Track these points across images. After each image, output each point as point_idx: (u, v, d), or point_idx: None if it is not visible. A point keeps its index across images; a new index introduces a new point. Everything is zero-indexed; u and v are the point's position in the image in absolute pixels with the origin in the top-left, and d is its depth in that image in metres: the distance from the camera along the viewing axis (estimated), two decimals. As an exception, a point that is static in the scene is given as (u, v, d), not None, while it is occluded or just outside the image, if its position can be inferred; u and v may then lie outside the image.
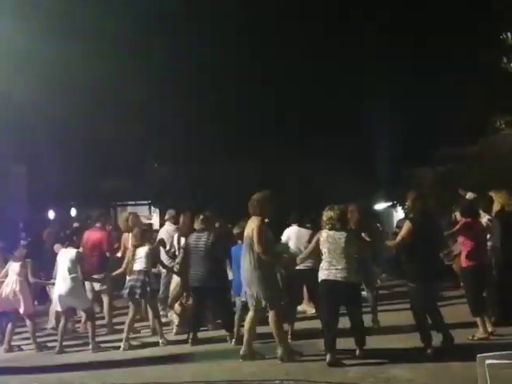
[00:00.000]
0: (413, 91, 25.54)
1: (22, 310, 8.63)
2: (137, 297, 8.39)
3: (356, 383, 6.03)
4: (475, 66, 20.62)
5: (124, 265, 8.71)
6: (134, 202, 27.28)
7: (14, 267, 8.77)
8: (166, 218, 10.62)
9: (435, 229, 7.44)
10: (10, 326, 8.73)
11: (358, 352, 6.91)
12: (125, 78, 19.70)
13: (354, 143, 26.22)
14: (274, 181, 22.61)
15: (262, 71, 23.79)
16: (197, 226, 8.69)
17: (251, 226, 7.03)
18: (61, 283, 8.37)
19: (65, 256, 8.48)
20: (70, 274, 8.31)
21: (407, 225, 7.13)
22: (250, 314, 7.18)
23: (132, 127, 21.62)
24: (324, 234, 6.91)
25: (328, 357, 6.63)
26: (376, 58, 25.60)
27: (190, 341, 8.29)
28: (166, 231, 10.18)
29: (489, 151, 22.88)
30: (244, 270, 7.10)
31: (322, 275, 6.85)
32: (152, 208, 26.22)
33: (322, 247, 6.89)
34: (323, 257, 6.88)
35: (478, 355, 4.87)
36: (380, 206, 22.41)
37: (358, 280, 7.14)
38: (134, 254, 8.47)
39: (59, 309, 8.52)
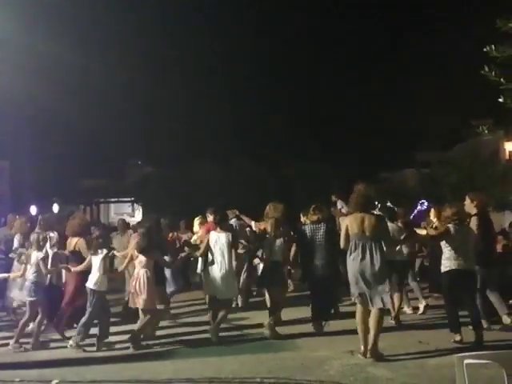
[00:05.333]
0: (395, 95, 25.93)
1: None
2: None
3: (336, 381, 6.11)
4: (456, 73, 20.96)
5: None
6: (116, 199, 27.26)
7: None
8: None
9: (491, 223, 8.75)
10: None
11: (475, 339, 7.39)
12: (113, 77, 19.64)
13: (335, 146, 26.54)
14: (260, 183, 22.85)
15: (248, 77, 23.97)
16: (312, 217, 8.85)
17: (374, 224, 7.01)
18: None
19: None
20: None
21: (476, 220, 8.15)
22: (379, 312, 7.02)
23: (117, 126, 21.56)
24: (452, 228, 7.66)
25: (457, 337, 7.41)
26: (359, 64, 25.92)
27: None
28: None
29: (469, 155, 23.26)
30: (375, 267, 6.93)
31: (452, 265, 7.57)
32: (135, 205, 26.17)
33: (448, 240, 7.63)
34: (447, 248, 7.65)
35: (457, 355, 4.97)
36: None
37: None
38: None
39: None
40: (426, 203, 22.79)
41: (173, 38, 22.91)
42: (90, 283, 8.09)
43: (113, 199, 27.41)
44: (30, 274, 8.18)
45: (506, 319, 8.13)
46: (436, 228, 8.72)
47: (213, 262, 8.29)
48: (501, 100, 7.24)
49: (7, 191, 18.09)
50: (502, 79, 7.12)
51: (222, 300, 8.34)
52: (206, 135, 24.10)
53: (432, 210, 10.38)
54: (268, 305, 8.59)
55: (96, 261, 8.14)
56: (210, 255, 8.35)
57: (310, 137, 25.58)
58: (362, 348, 6.91)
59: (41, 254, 8.21)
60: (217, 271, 8.25)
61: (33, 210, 16.41)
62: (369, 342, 6.83)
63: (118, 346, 8.13)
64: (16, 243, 9.99)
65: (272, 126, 24.91)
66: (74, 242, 8.82)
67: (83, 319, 8.05)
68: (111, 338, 8.27)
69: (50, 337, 8.67)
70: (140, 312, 8.12)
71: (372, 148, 26.10)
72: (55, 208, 18.94)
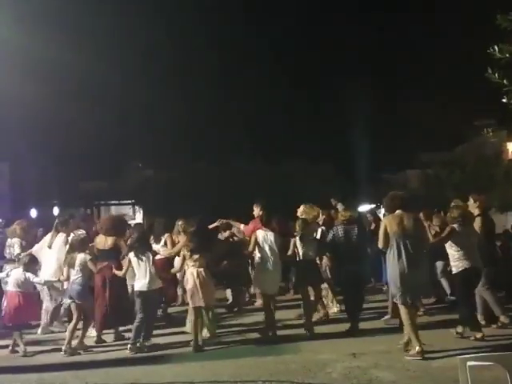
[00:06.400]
0: (398, 96, 25.93)
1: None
2: None
3: (339, 384, 6.05)
4: (458, 75, 20.96)
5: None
6: (117, 202, 27.23)
7: None
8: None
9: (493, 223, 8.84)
10: None
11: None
12: (114, 79, 19.65)
13: (338, 147, 26.53)
14: (258, 183, 22.77)
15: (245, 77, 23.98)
16: (342, 217, 8.87)
17: (414, 223, 7.13)
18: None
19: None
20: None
21: (480, 220, 8.19)
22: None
23: (117, 129, 21.56)
24: (457, 228, 7.67)
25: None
26: (361, 63, 25.93)
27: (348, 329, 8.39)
28: None
29: (472, 155, 23.23)
30: (418, 265, 7.02)
31: (464, 265, 7.55)
32: (136, 207, 26.16)
33: (454, 240, 7.62)
34: (453, 249, 7.64)
35: (459, 357, 4.91)
36: (363, 208, 22.54)
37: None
38: None
39: None
40: None
41: (172, 39, 22.95)
42: (139, 285, 7.93)
43: (113, 202, 27.37)
44: (77, 277, 8.04)
45: (504, 319, 8.09)
46: (439, 231, 8.66)
47: (264, 259, 8.33)
48: (504, 100, 7.19)
49: (7, 193, 18.05)
50: (504, 81, 7.07)
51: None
52: (206, 135, 24.08)
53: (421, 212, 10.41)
54: (304, 305, 8.59)
55: (139, 262, 7.96)
56: (258, 253, 8.38)
57: (310, 137, 25.56)
58: (418, 348, 6.81)
59: (88, 256, 8.13)
60: (270, 267, 8.30)
61: (33, 212, 16.37)
62: (404, 339, 7.00)
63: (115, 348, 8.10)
64: (17, 249, 9.86)
65: (272, 125, 24.90)
66: (109, 241, 8.68)
67: (140, 323, 7.93)
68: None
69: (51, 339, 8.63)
70: (192, 310, 8.01)
71: (374, 149, 26.07)
72: (55, 211, 18.90)
